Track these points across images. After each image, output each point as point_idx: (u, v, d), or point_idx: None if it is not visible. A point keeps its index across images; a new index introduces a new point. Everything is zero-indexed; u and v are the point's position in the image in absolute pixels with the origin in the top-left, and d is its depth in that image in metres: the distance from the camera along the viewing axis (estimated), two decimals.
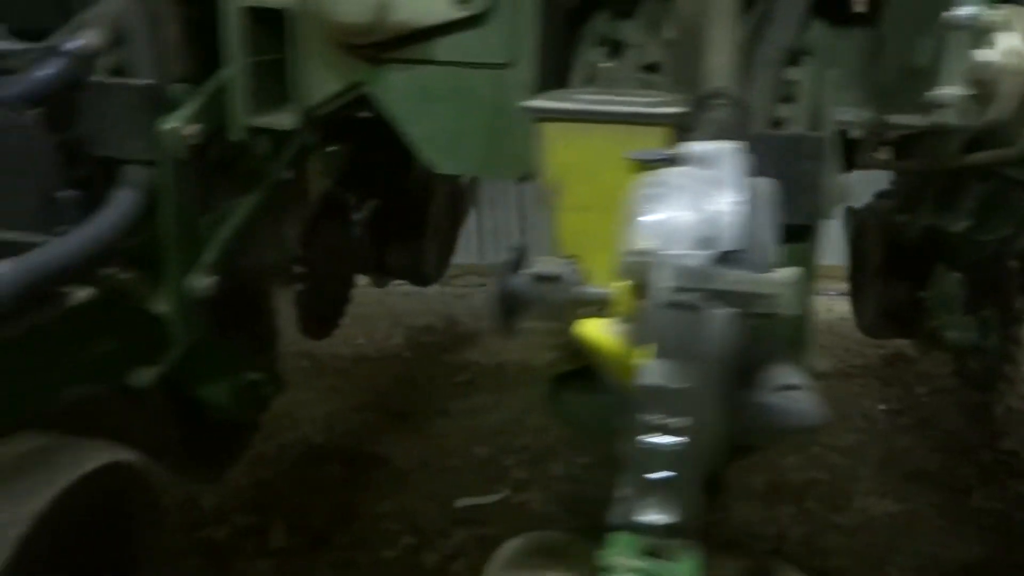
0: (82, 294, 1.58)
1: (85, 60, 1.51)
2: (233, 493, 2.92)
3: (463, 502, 3.02)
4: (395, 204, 2.92)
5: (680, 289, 0.93)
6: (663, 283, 0.94)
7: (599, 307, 1.15)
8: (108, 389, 1.68)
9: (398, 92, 1.53)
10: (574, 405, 1.51)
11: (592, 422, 1.50)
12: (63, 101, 1.49)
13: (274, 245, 2.18)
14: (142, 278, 1.65)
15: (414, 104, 1.52)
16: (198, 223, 1.68)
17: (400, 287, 3.35)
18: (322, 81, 1.56)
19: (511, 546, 1.28)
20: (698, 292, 0.92)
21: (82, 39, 1.52)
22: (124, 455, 1.52)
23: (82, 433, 1.55)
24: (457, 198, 3.24)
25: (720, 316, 0.92)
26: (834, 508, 2.96)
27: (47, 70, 1.48)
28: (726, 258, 0.93)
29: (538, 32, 1.45)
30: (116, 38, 1.55)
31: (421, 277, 3.16)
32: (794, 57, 1.60)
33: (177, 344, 1.69)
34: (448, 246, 3.26)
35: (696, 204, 0.98)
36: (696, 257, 0.94)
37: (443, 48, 1.47)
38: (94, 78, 1.54)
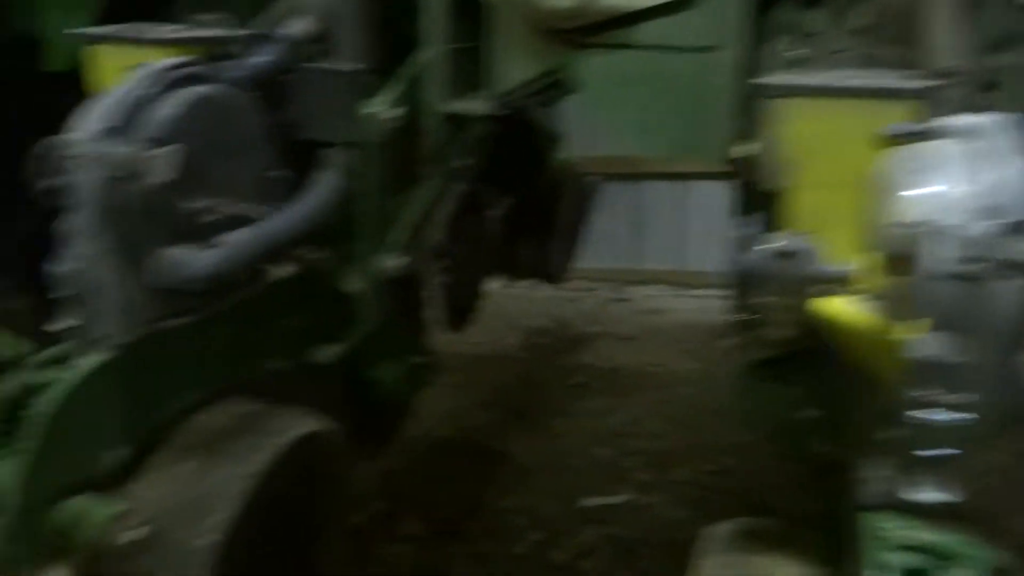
0: (281, 271, 1.65)
1: (298, 46, 1.58)
2: (364, 480, 2.98)
3: (590, 501, 3.01)
4: (527, 203, 2.95)
5: (965, 260, 0.90)
6: (943, 254, 0.91)
7: (838, 284, 1.12)
8: (295, 363, 1.74)
9: (598, 77, 1.54)
10: (766, 394, 1.48)
11: (782, 411, 1.47)
12: (277, 85, 1.57)
13: (432, 232, 2.23)
14: (334, 257, 1.71)
15: (614, 88, 1.53)
16: (389, 205, 1.74)
17: (509, 288, 3.36)
18: (518, 67, 1.60)
19: (724, 529, 1.26)
20: (985, 262, 0.89)
21: (296, 26, 1.59)
22: (323, 426, 1.58)
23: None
24: (583, 199, 3.25)
25: (1012, 287, 0.89)
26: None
27: (265, 55, 1.55)
28: (1016, 228, 0.90)
29: (745, 15, 1.45)
30: (325, 26, 1.62)
31: (549, 276, 3.18)
32: (1000, 44, 1.55)
33: (364, 323, 1.74)
34: (573, 246, 3.27)
35: (972, 176, 0.95)
36: (981, 227, 0.91)
37: (648, 32, 1.48)
38: (304, 63, 1.61)
